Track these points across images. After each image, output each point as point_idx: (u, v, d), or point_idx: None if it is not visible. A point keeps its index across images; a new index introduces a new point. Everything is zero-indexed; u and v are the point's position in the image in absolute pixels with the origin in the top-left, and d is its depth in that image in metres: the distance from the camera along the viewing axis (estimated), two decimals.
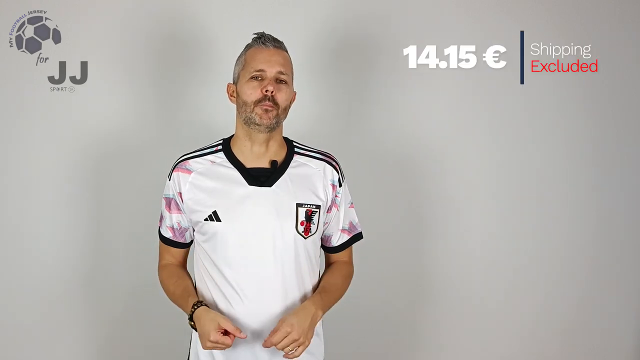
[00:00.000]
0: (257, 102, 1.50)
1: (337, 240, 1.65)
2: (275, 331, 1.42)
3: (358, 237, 1.69)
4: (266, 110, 1.49)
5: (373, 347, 2.32)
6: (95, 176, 2.20)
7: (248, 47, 1.57)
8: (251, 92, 1.50)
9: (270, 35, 1.56)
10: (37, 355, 2.21)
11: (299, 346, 1.43)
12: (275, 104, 1.50)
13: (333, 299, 1.58)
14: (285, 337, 1.42)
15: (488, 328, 2.34)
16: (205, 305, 1.48)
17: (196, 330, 1.47)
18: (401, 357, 2.33)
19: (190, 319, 1.48)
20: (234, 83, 1.58)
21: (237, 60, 1.58)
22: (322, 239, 1.65)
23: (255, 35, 1.56)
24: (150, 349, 2.24)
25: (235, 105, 1.57)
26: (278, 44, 1.55)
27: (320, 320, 1.60)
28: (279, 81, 1.52)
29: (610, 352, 2.37)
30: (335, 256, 1.68)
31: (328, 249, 1.67)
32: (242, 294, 1.49)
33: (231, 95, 1.58)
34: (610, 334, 2.37)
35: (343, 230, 1.64)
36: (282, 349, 1.43)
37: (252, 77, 1.51)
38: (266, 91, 1.49)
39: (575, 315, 2.36)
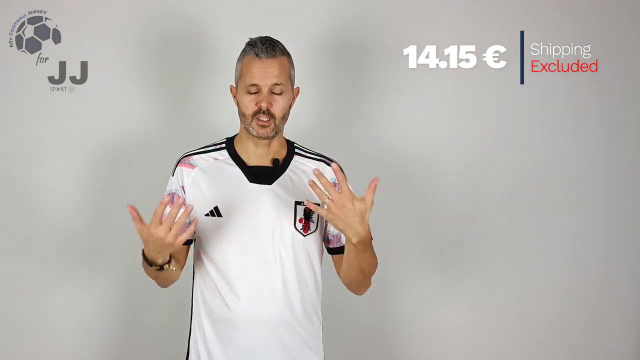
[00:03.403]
0: (254, 115, 1.50)
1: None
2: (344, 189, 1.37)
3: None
4: (262, 126, 1.50)
5: (373, 347, 2.32)
6: (95, 176, 2.20)
7: (244, 53, 1.54)
8: (247, 105, 1.50)
9: (266, 42, 1.50)
10: (37, 354, 2.21)
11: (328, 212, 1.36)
12: (272, 115, 1.50)
13: (371, 255, 1.48)
14: (340, 194, 1.36)
15: (488, 328, 2.34)
16: None
17: (157, 264, 1.45)
18: (402, 357, 2.34)
19: (144, 256, 1.46)
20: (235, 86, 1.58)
21: (236, 63, 1.56)
22: (330, 240, 1.60)
23: (249, 42, 1.53)
24: (150, 348, 2.24)
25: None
26: (272, 53, 1.50)
27: (320, 324, 1.60)
28: (274, 92, 1.51)
29: (610, 352, 2.37)
30: None
31: (342, 250, 1.55)
32: (242, 290, 1.49)
33: (234, 97, 1.58)
34: (610, 334, 2.37)
35: None
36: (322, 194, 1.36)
37: (247, 91, 1.51)
38: (260, 106, 1.49)
39: (576, 315, 2.36)
